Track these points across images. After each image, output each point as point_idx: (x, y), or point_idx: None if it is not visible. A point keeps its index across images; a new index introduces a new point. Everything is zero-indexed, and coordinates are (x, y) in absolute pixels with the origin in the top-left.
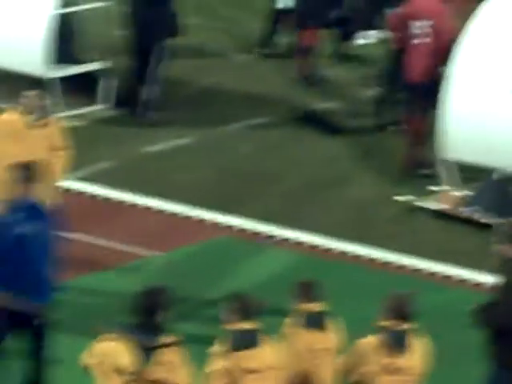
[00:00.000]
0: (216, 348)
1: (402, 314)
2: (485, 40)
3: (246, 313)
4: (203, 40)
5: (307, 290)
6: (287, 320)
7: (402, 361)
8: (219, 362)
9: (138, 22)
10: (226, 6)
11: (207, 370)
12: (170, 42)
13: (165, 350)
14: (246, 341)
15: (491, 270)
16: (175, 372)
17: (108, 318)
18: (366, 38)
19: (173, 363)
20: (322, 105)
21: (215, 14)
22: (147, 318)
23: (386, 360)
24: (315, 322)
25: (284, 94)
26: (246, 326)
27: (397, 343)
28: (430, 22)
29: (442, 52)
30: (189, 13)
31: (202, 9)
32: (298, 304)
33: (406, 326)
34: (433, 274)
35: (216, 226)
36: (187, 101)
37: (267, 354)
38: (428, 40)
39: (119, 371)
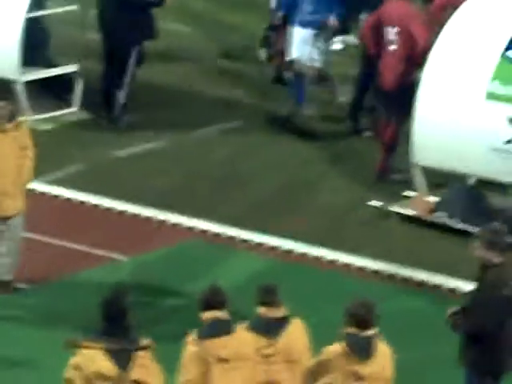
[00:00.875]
0: (189, 336)
1: (364, 321)
2: (457, 47)
3: (218, 303)
4: (180, 44)
5: (267, 295)
6: (245, 324)
7: (367, 368)
8: (191, 348)
9: (112, 25)
10: (208, 12)
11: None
12: (145, 45)
13: (140, 352)
14: (216, 329)
15: (465, 275)
16: (151, 375)
17: (79, 323)
18: (343, 43)
19: (148, 366)
20: (294, 109)
21: (195, 20)
22: (117, 322)
23: (352, 367)
24: (265, 327)
25: (258, 97)
26: (218, 314)
27: (361, 350)
28: (403, 29)
29: (414, 59)
30: (169, 17)
31: (182, 14)
32: (258, 308)
33: (370, 332)
34: (406, 280)
35: (188, 230)
36: (160, 104)
37: (238, 344)
38: (400, 47)
39: (101, 377)
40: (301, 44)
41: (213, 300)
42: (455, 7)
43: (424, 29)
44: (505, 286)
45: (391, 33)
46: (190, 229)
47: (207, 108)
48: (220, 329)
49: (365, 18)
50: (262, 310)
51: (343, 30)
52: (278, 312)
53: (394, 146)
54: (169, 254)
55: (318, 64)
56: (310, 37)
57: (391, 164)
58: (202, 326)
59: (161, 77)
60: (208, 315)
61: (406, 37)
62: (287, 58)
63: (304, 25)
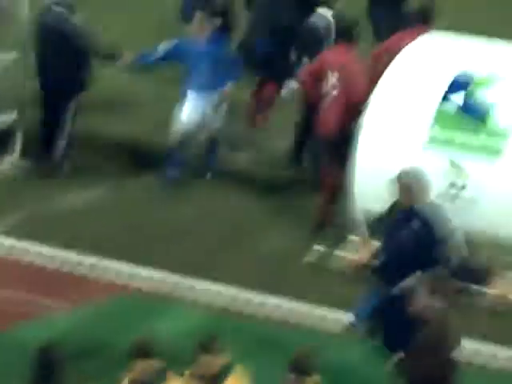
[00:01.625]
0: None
1: (304, 369)
2: (397, 93)
3: (149, 352)
4: (118, 90)
5: (207, 343)
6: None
7: None
8: None
9: (50, 73)
10: None
11: None
12: (84, 93)
13: None
14: (148, 376)
15: None
16: None
17: (8, 381)
18: (288, 88)
19: None
20: (236, 156)
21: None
22: (47, 379)
23: None
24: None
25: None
26: (150, 363)
27: None
28: (343, 76)
29: (353, 106)
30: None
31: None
32: (199, 358)
33: (309, 380)
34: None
35: (128, 279)
36: (100, 152)
37: None
38: (337, 94)
39: None
40: (194, 109)
41: (144, 349)
42: (393, 54)
43: (362, 76)
44: (445, 344)
45: (331, 79)
46: (130, 278)
47: (147, 155)
48: (152, 377)
49: (306, 63)
50: (202, 358)
51: (289, 75)
52: (219, 360)
53: (336, 192)
54: (105, 306)
55: (210, 129)
56: (204, 102)
57: (334, 209)
58: (135, 373)
59: (101, 124)
60: (140, 364)
61: (347, 84)
62: (178, 126)
63: (199, 89)
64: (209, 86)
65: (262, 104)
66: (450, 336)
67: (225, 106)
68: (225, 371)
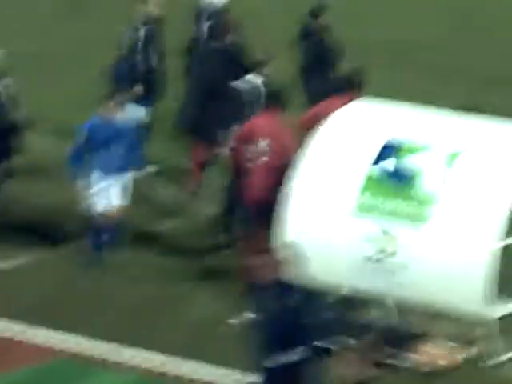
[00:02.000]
0: None
1: None
2: (326, 160)
3: None
4: (42, 155)
5: None
6: None
7: None
8: None
9: None
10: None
11: None
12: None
13: None
14: None
15: None
16: None
17: None
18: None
19: None
20: (160, 224)
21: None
22: None
23: None
24: None
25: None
26: None
27: None
28: (268, 142)
29: (279, 172)
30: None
31: (45, 124)
32: None
33: None
34: None
35: (54, 346)
36: (23, 221)
37: None
38: (266, 159)
39: None
40: (100, 192)
41: None
42: (322, 120)
43: (290, 143)
44: None
45: (260, 145)
46: (57, 345)
47: (70, 224)
48: None
49: (227, 132)
50: None
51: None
52: None
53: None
54: (35, 372)
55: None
56: (109, 184)
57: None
58: None
59: (25, 192)
60: None
61: (276, 150)
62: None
63: (106, 170)
64: (116, 168)
65: (193, 168)
66: None
67: (130, 190)
68: None
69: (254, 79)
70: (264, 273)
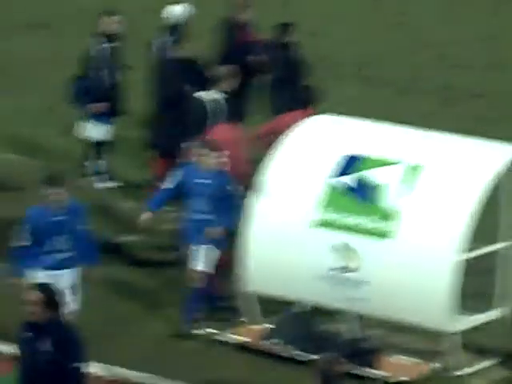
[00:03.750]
0: None
1: None
2: (282, 175)
3: None
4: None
5: None
6: None
7: None
8: None
9: None
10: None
11: None
12: None
13: None
14: None
15: None
16: None
17: None
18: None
19: None
20: (122, 237)
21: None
22: None
23: None
24: None
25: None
26: None
27: None
28: (227, 153)
29: (239, 184)
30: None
31: (4, 138)
32: None
33: None
34: None
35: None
36: None
37: None
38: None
39: None
40: None
41: None
42: (278, 135)
43: (245, 154)
44: None
45: (217, 157)
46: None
47: None
48: None
49: (186, 146)
50: None
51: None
52: None
53: (224, 272)
54: None
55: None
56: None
57: (218, 291)
58: None
59: None
60: None
61: (232, 161)
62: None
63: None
64: (60, 265)
65: (154, 182)
66: None
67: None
68: None
69: (213, 93)
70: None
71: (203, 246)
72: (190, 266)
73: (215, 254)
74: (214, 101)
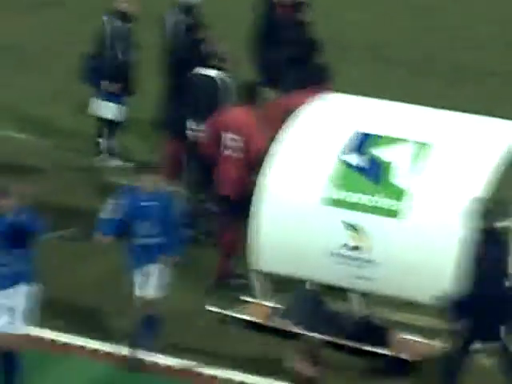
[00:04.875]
0: None
1: None
2: (293, 152)
3: None
4: (19, 150)
5: None
6: None
7: None
8: None
9: None
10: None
11: None
12: None
13: None
14: None
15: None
16: None
17: None
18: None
19: None
20: None
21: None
22: None
23: None
24: None
25: (94, 205)
26: None
27: None
28: (240, 136)
29: (251, 165)
30: (5, 123)
31: (18, 118)
32: None
33: None
34: None
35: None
36: None
37: None
38: (237, 153)
39: None
40: None
41: None
42: (290, 114)
43: (261, 136)
44: None
45: (230, 140)
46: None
47: (43, 215)
48: None
49: (191, 125)
50: None
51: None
52: None
53: (232, 251)
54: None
55: None
56: None
57: (230, 269)
58: None
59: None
60: None
61: (244, 143)
62: None
63: None
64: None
65: (165, 163)
66: None
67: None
68: None
69: (215, 73)
70: None
71: (153, 271)
72: (137, 293)
73: (166, 276)
74: (225, 80)
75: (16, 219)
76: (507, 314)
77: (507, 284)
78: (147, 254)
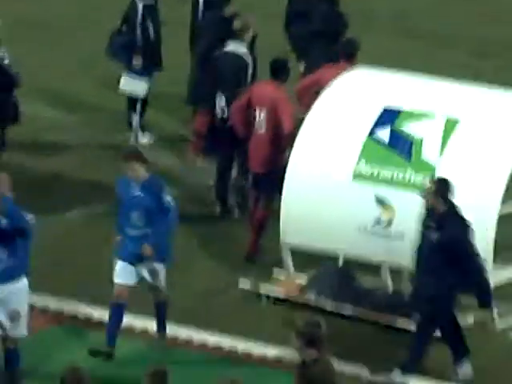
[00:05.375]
0: None
1: None
2: (324, 127)
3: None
4: (47, 126)
5: (156, 380)
6: None
7: None
8: None
9: None
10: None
11: None
12: (11, 128)
13: None
14: None
15: (339, 355)
16: None
17: None
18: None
19: None
20: None
21: (61, 99)
22: None
23: None
24: None
25: None
26: None
27: None
28: (271, 111)
29: (281, 140)
30: (32, 98)
31: (46, 94)
32: None
33: None
34: (279, 361)
35: (52, 313)
36: (28, 187)
37: None
38: (268, 129)
39: None
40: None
41: (74, 379)
42: (319, 89)
43: (290, 112)
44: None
45: (259, 115)
46: (53, 312)
47: (75, 191)
48: None
49: (221, 99)
50: None
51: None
52: None
53: (263, 227)
54: (33, 339)
55: None
56: None
57: (261, 245)
58: None
59: (28, 160)
60: None
61: (274, 119)
62: None
63: None
64: None
65: (194, 136)
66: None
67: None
68: None
69: (244, 49)
70: None
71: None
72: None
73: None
74: (252, 55)
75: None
76: None
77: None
78: (134, 245)
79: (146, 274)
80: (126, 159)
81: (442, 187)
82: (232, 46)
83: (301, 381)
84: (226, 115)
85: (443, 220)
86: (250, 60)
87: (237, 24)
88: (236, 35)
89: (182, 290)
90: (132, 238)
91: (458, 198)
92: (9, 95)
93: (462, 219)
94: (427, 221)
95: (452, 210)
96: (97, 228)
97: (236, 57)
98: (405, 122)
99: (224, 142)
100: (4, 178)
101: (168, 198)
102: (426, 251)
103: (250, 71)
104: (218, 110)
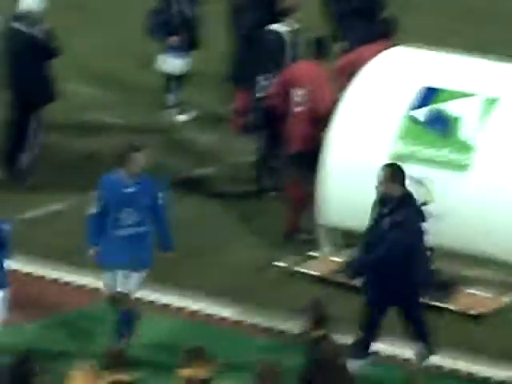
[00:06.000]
0: None
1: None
2: (361, 107)
3: (122, 363)
4: (84, 104)
5: (194, 356)
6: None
7: None
8: None
9: (15, 86)
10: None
11: None
12: (48, 107)
13: None
14: None
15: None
16: None
17: None
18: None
19: None
20: (200, 170)
21: (99, 78)
22: None
23: None
24: None
25: (161, 160)
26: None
27: None
28: (309, 90)
29: (320, 119)
30: (70, 77)
31: (84, 72)
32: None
33: None
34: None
35: (94, 291)
36: (64, 166)
37: None
38: (307, 107)
39: None
40: None
41: (117, 361)
42: (357, 68)
43: (329, 91)
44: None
45: (299, 94)
46: (97, 290)
47: (111, 170)
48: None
49: (263, 79)
50: (187, 372)
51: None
52: (204, 373)
53: (301, 206)
54: (73, 317)
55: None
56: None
57: (299, 224)
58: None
59: (65, 139)
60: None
61: (313, 98)
62: None
63: None
64: None
65: (234, 114)
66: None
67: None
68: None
69: (284, 28)
70: None
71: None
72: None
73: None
74: (292, 33)
75: None
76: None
77: None
78: (129, 245)
79: (120, 276)
80: (135, 149)
81: (398, 172)
82: (275, 25)
83: (310, 360)
84: (266, 94)
85: (398, 204)
86: (288, 38)
87: (286, 3)
88: (284, 14)
89: (216, 266)
90: (121, 238)
91: (498, 178)
92: (45, 72)
93: (417, 204)
94: (381, 209)
95: (407, 194)
96: None
97: (276, 35)
98: (442, 100)
99: (264, 120)
100: None
101: (160, 195)
102: (377, 241)
103: (287, 49)
104: (259, 89)
